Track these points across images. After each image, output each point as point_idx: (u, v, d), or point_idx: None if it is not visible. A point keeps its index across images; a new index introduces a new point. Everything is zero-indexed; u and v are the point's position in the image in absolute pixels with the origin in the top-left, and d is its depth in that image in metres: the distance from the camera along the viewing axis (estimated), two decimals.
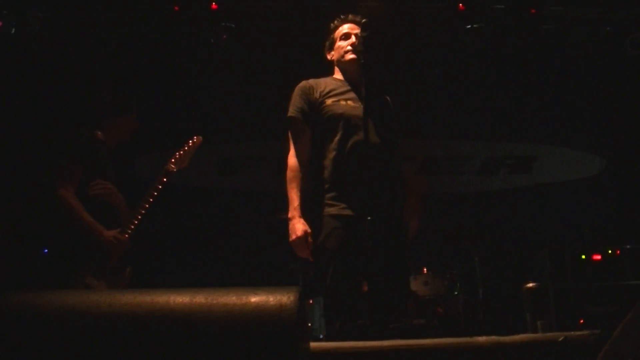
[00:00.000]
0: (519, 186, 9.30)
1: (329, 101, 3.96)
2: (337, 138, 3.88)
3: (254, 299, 1.92)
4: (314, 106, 3.97)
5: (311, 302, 7.26)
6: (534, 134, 9.15)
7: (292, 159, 3.93)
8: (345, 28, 4.12)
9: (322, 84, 4.05)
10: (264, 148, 8.91)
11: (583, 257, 7.29)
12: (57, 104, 7.57)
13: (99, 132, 4.45)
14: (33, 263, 4.18)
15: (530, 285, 6.30)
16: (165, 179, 4.32)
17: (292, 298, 1.91)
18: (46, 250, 4.24)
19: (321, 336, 7.12)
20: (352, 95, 4.00)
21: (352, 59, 4.01)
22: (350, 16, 4.16)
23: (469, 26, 7.82)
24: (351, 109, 3.92)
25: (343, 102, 3.96)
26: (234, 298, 1.92)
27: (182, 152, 4.46)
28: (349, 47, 4.04)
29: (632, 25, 7.93)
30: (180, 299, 1.93)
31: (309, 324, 7.10)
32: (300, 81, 4.12)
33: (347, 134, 3.87)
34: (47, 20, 7.37)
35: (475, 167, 9.26)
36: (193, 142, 4.53)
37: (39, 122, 7.46)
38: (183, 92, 8.13)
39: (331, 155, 3.88)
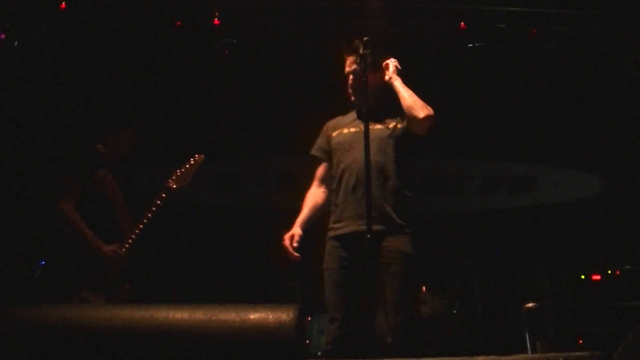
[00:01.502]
0: (519, 206, 9.30)
1: (334, 134, 4.31)
2: (335, 165, 4.22)
3: (253, 315, 1.91)
4: (329, 142, 4.35)
5: (309, 319, 7.24)
6: (534, 153, 9.15)
7: (310, 188, 4.42)
8: (346, 65, 4.33)
9: (338, 120, 4.42)
10: (264, 164, 8.92)
11: (582, 277, 7.28)
12: (58, 117, 7.58)
13: (100, 146, 4.45)
14: (31, 275, 4.16)
15: (530, 305, 6.27)
16: (165, 196, 4.33)
17: (291, 315, 1.91)
18: (43, 262, 4.23)
19: (319, 353, 7.10)
20: (357, 122, 4.24)
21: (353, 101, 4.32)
22: (351, 43, 4.27)
23: (470, 45, 7.84)
24: (350, 135, 4.19)
25: (345, 131, 4.26)
26: (233, 315, 1.92)
27: (183, 169, 4.47)
28: (350, 90, 4.31)
29: (632, 46, 7.95)
30: (179, 314, 1.92)
31: (307, 341, 7.08)
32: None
33: (341, 159, 4.18)
34: (49, 33, 7.39)
35: (474, 186, 9.26)
36: (195, 161, 4.55)
37: (40, 134, 7.47)
38: (184, 108, 8.13)
39: (334, 183, 4.22)
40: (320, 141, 4.45)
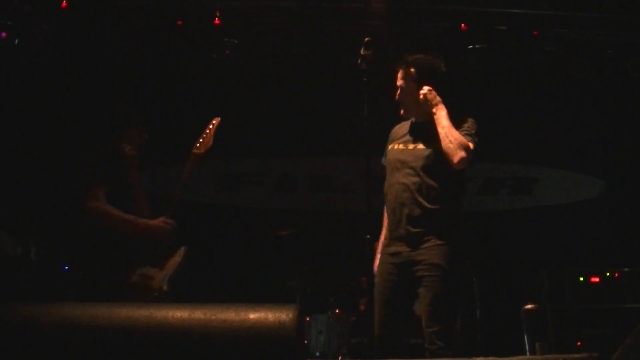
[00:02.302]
0: (519, 207, 9.30)
1: (390, 147, 4.32)
2: (386, 179, 4.25)
3: (252, 315, 1.91)
4: (386, 153, 4.36)
5: (308, 319, 7.25)
6: (535, 155, 9.16)
7: None
8: (397, 78, 4.30)
9: (399, 128, 4.40)
10: (265, 165, 8.92)
11: (582, 279, 7.28)
12: (58, 115, 7.59)
13: (125, 145, 4.53)
14: (84, 274, 4.21)
15: (529, 306, 6.28)
16: (195, 162, 4.41)
17: (291, 315, 1.91)
18: (66, 268, 4.30)
19: (317, 353, 7.11)
20: (407, 137, 4.26)
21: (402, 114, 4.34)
22: (402, 58, 4.28)
23: (471, 47, 7.84)
24: (398, 152, 4.21)
25: (397, 147, 4.26)
26: (232, 314, 1.92)
27: (204, 135, 4.56)
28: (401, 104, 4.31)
29: (633, 48, 7.95)
30: (179, 314, 1.92)
31: (306, 342, 7.08)
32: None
33: (388, 177, 4.23)
34: (51, 32, 7.40)
35: (475, 187, 9.26)
36: (213, 125, 4.64)
37: (39, 133, 7.48)
38: (184, 107, 8.14)
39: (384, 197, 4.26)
40: (386, 150, 4.45)
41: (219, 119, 4.64)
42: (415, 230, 3.93)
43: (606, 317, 6.97)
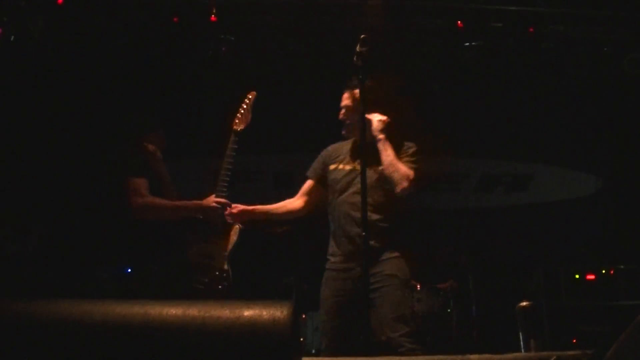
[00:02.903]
0: (515, 204, 9.31)
1: (332, 167, 4.51)
2: (330, 197, 4.45)
3: (247, 312, 1.91)
4: (324, 172, 4.56)
5: (304, 317, 7.25)
6: (531, 152, 9.16)
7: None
8: (342, 99, 4.52)
9: (337, 148, 4.62)
10: (260, 162, 8.91)
11: (577, 276, 7.29)
12: (54, 111, 7.58)
13: (150, 145, 4.59)
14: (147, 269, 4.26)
15: (524, 303, 6.31)
16: (236, 138, 4.60)
17: (285, 312, 1.91)
18: (129, 270, 4.37)
19: (313, 351, 7.11)
20: (349, 158, 4.47)
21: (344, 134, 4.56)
22: (347, 82, 4.47)
23: (467, 44, 7.84)
24: (345, 174, 4.40)
25: (341, 167, 4.46)
26: (227, 311, 1.92)
27: (242, 110, 4.64)
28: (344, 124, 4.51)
29: (630, 45, 7.95)
30: (173, 311, 1.92)
31: (302, 339, 7.09)
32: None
33: (334, 197, 4.40)
34: (46, 28, 7.37)
35: (471, 184, 9.27)
36: (249, 99, 4.73)
37: (36, 129, 7.48)
38: (180, 104, 8.12)
39: (329, 214, 4.44)
40: (316, 166, 4.67)
41: (254, 93, 4.70)
42: (370, 244, 3.88)
43: (601, 314, 6.98)
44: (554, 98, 8.83)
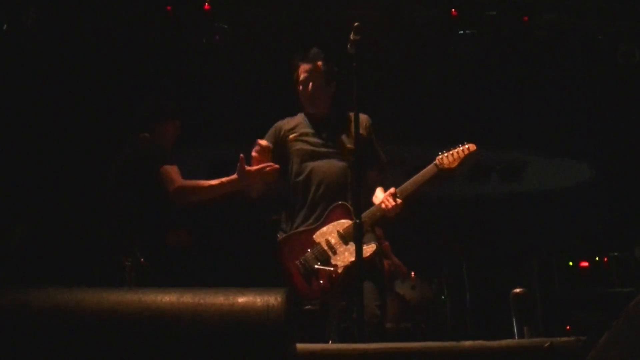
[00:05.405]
0: (509, 193, 9.33)
1: (291, 136, 4.50)
2: (297, 167, 4.43)
3: (241, 299, 1.92)
4: (281, 142, 4.52)
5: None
6: (525, 141, 9.17)
7: None
8: (302, 72, 4.50)
9: (292, 123, 4.57)
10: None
11: (570, 264, 7.33)
12: (47, 102, 7.56)
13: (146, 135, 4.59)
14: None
15: (517, 290, 6.30)
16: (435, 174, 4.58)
17: (279, 299, 1.92)
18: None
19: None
20: (311, 130, 4.49)
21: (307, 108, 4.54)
22: (310, 53, 4.50)
23: (461, 32, 7.83)
24: (312, 142, 4.41)
25: (312, 140, 4.44)
26: (221, 298, 1.93)
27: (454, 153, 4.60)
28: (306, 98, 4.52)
29: (623, 35, 7.96)
30: (167, 298, 1.93)
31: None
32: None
33: (308, 165, 4.38)
34: (39, 18, 7.34)
35: (465, 173, 9.27)
36: (467, 150, 4.64)
37: (27, 121, 7.46)
38: (173, 93, 8.09)
39: (296, 184, 4.41)
40: (271, 134, 4.64)
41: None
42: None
43: (595, 301, 7.02)
44: (547, 86, 8.83)
